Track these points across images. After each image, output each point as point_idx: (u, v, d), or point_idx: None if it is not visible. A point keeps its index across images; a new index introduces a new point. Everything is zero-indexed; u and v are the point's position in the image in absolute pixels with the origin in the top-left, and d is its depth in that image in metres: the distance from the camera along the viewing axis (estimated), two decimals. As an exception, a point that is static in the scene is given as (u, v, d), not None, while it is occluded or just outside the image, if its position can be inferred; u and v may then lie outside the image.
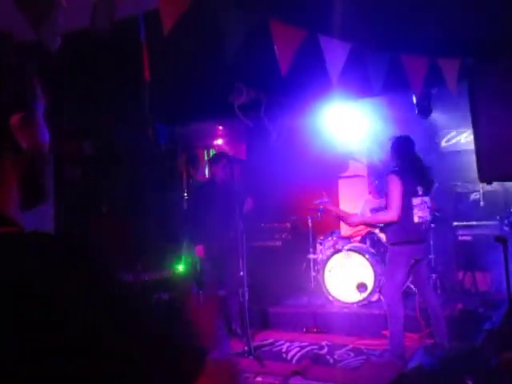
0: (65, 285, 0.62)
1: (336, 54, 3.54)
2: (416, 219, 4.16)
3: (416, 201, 4.19)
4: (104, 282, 0.67)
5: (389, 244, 4.28)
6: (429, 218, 4.33)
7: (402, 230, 4.16)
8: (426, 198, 4.24)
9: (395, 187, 4.14)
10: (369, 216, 4.52)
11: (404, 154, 4.31)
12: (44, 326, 0.60)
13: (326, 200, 4.97)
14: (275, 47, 3.19)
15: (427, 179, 4.31)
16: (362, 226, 6.47)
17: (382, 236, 4.67)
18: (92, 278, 0.66)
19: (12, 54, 0.78)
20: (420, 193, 4.21)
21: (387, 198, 4.20)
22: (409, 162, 4.28)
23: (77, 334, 0.61)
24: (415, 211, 4.16)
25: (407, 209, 4.15)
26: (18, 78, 0.78)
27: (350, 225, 4.78)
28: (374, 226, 4.95)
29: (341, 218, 4.68)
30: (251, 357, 4.40)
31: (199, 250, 4.91)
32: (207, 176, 5.40)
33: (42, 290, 0.61)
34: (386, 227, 4.30)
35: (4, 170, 0.74)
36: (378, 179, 6.31)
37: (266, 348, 4.82)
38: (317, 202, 5.11)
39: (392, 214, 4.13)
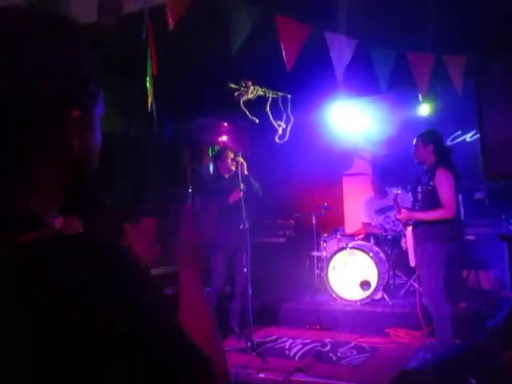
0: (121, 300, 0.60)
1: (342, 50, 3.53)
2: (462, 216, 4.07)
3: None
4: (149, 289, 0.65)
5: (434, 240, 4.02)
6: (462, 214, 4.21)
7: (452, 227, 4.02)
8: (460, 196, 4.15)
9: (449, 182, 3.97)
10: (420, 212, 4.15)
11: (443, 148, 4.18)
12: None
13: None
14: (281, 43, 3.18)
15: (459, 175, 4.14)
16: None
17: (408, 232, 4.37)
18: (140, 290, 0.63)
19: (80, 42, 0.72)
20: (459, 189, 4.13)
21: (440, 194, 3.97)
22: (448, 157, 4.15)
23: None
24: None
25: (458, 206, 4.04)
26: (82, 69, 0.71)
27: (399, 220, 4.53)
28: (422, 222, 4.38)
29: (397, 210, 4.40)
30: (254, 353, 4.40)
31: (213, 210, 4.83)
32: (211, 172, 5.40)
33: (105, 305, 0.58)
34: (431, 224, 4.04)
35: (46, 171, 0.68)
36: (383, 178, 6.30)
37: (269, 344, 4.82)
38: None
39: (448, 211, 3.94)
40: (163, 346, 0.61)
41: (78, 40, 0.72)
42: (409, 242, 4.35)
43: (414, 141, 4.28)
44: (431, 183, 4.06)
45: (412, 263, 4.35)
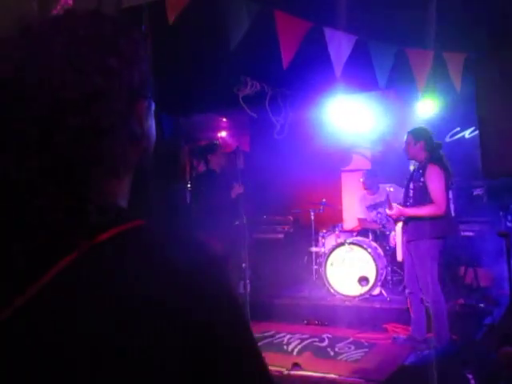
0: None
1: (341, 46, 3.53)
2: (452, 213, 4.09)
3: (450, 194, 4.15)
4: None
5: (426, 237, 4.03)
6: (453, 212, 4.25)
7: (442, 224, 4.04)
8: (451, 192, 4.18)
9: (439, 178, 4.00)
10: (410, 208, 4.19)
11: (434, 144, 4.21)
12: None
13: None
14: (279, 38, 3.18)
15: (451, 172, 4.18)
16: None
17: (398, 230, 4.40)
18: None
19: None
20: (450, 186, 4.16)
21: (430, 190, 4.00)
22: (440, 154, 4.19)
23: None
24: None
25: (448, 203, 4.06)
26: (147, 65, 0.77)
27: (391, 216, 4.53)
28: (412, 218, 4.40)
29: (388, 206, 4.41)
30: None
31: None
32: (202, 167, 5.37)
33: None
34: (423, 220, 4.04)
35: (123, 158, 0.71)
36: (376, 175, 6.31)
37: (267, 340, 4.84)
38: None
39: (439, 208, 3.97)
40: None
41: (143, 38, 0.77)
42: (398, 237, 4.40)
43: (405, 137, 4.32)
44: (422, 179, 4.09)
45: (399, 258, 4.40)
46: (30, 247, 0.61)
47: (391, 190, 4.48)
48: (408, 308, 4.50)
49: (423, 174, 4.09)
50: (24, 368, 0.59)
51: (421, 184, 4.12)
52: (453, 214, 4.13)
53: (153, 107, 0.80)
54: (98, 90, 0.66)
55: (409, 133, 4.31)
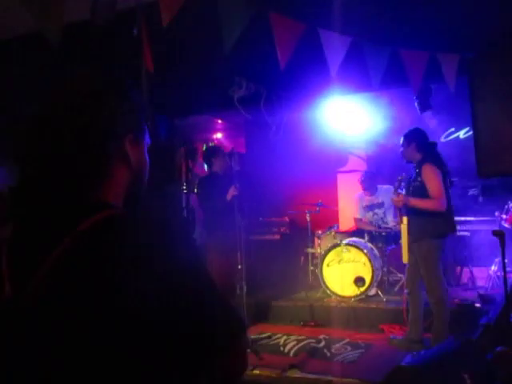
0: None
1: (336, 47, 3.54)
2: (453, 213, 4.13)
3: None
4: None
5: (428, 236, 4.09)
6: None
7: (444, 223, 4.10)
8: (450, 190, 4.23)
9: (436, 176, 4.06)
10: (414, 198, 4.20)
11: (427, 147, 4.28)
12: None
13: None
14: (275, 40, 3.18)
15: (448, 171, 4.26)
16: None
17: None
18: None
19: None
20: (448, 184, 4.21)
21: (429, 188, 4.05)
22: (434, 153, 4.26)
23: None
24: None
25: (449, 201, 4.11)
26: (139, 110, 1.04)
27: (395, 203, 4.53)
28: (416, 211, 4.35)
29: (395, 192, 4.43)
30: (248, 350, 4.41)
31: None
32: (206, 170, 5.39)
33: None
34: (423, 219, 4.10)
35: (116, 176, 0.96)
36: (374, 177, 6.32)
37: (264, 341, 4.83)
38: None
39: (440, 204, 4.01)
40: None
41: (136, 92, 1.05)
42: (403, 238, 4.37)
43: (401, 141, 4.41)
44: (419, 179, 4.17)
45: (405, 260, 4.37)
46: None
47: (402, 177, 4.50)
48: (405, 308, 4.51)
49: (420, 174, 4.16)
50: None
51: (418, 183, 4.18)
52: (453, 212, 4.16)
53: (143, 141, 1.05)
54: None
55: (403, 136, 4.40)
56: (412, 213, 4.27)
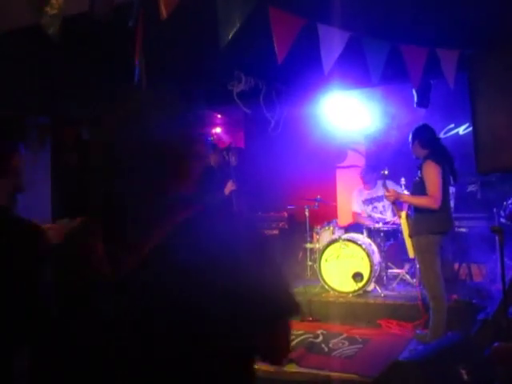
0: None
1: (333, 43, 3.52)
2: (451, 209, 4.16)
3: (450, 190, 4.23)
4: None
5: (424, 232, 4.14)
6: (453, 208, 4.33)
7: (442, 219, 4.13)
8: (454, 189, 4.26)
9: (436, 174, 4.08)
10: (407, 195, 4.36)
11: (434, 142, 4.31)
12: None
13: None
14: (273, 35, 3.17)
15: (455, 170, 4.29)
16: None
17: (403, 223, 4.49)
18: None
19: None
20: (451, 182, 4.23)
21: (427, 185, 4.10)
22: (439, 150, 4.28)
23: None
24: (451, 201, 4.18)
25: (446, 197, 4.14)
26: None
27: (386, 198, 4.61)
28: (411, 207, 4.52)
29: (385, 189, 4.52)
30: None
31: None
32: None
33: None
34: (420, 214, 4.18)
35: (187, 180, 1.19)
36: (374, 171, 6.33)
37: (262, 336, 4.84)
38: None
39: (434, 201, 4.04)
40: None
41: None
42: (404, 233, 4.45)
43: (409, 139, 4.44)
44: (419, 175, 4.20)
45: (410, 255, 4.43)
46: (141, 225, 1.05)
47: (386, 172, 4.59)
48: (421, 304, 4.55)
49: (421, 170, 4.19)
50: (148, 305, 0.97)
51: (418, 180, 4.23)
52: (451, 209, 4.19)
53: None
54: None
55: (410, 133, 4.43)
56: (410, 208, 4.34)
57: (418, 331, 4.66)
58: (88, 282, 1.03)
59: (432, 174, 4.10)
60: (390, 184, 5.76)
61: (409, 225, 4.37)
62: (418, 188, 4.21)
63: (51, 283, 1.14)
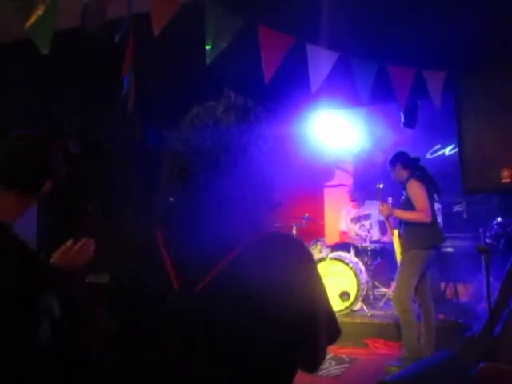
0: None
1: (322, 62, 3.56)
2: (439, 224, 4.20)
3: (435, 206, 4.30)
4: None
5: (411, 247, 4.21)
6: (441, 224, 4.39)
7: (430, 234, 4.19)
8: (439, 205, 4.32)
9: (421, 190, 4.18)
10: (400, 210, 4.41)
11: (412, 163, 4.43)
12: None
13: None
14: (262, 53, 3.20)
15: (437, 186, 4.39)
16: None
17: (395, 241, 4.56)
18: None
19: None
20: (436, 199, 4.30)
21: (414, 202, 4.18)
22: (419, 169, 4.39)
23: None
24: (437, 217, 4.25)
25: (434, 213, 4.21)
26: None
27: (380, 212, 4.65)
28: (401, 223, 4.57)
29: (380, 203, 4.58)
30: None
31: None
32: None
33: None
34: (411, 230, 4.25)
35: None
36: (363, 189, 6.36)
37: (248, 354, 4.79)
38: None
39: (425, 215, 4.12)
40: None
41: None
42: (396, 251, 4.55)
43: (388, 168, 4.56)
44: (405, 194, 4.32)
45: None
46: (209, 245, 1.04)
47: (381, 186, 4.67)
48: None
49: (406, 190, 4.31)
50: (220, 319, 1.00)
51: (404, 199, 4.34)
52: (440, 224, 4.25)
53: None
54: None
55: (388, 163, 4.56)
56: (400, 224, 4.44)
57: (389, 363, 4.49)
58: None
59: (417, 190, 4.19)
60: (376, 204, 5.83)
61: (401, 243, 4.42)
62: (405, 207, 4.30)
63: (54, 309, 1.14)
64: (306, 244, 1.13)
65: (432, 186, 4.34)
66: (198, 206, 1.06)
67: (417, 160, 4.48)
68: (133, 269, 1.12)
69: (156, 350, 1.04)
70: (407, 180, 4.32)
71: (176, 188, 1.10)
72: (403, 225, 4.40)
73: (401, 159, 4.46)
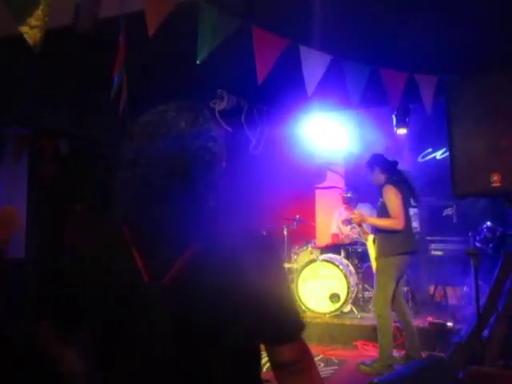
0: None
1: (315, 65, 3.56)
2: (413, 230, 4.23)
3: (411, 211, 4.31)
4: None
5: (385, 254, 4.25)
6: (418, 229, 4.40)
7: (403, 241, 4.20)
8: (416, 210, 4.34)
9: (395, 197, 4.19)
10: (372, 217, 4.48)
11: (390, 167, 4.43)
12: None
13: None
14: (255, 55, 3.20)
15: (414, 191, 4.41)
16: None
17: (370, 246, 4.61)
18: None
19: None
20: (412, 204, 4.31)
21: (388, 208, 4.20)
22: (396, 174, 4.40)
23: None
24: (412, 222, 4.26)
25: (407, 219, 4.23)
26: None
27: (352, 219, 4.71)
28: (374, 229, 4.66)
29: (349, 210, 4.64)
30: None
31: None
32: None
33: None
34: (384, 237, 4.28)
35: None
36: (352, 191, 6.38)
37: (237, 356, 4.78)
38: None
39: (398, 222, 4.14)
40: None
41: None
42: (371, 256, 4.58)
43: (366, 169, 4.58)
44: (381, 199, 4.35)
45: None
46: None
47: (349, 195, 4.76)
48: (397, 327, 4.59)
49: (381, 195, 4.33)
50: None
51: (380, 204, 4.37)
52: (414, 231, 4.26)
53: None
54: None
55: (366, 164, 4.57)
56: (375, 231, 4.48)
57: (362, 361, 4.46)
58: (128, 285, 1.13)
59: (392, 197, 4.21)
60: (367, 206, 5.88)
61: (375, 249, 4.46)
62: (381, 212, 4.33)
63: None
64: (273, 239, 1.23)
65: (409, 191, 4.36)
66: (158, 206, 1.10)
67: (395, 164, 4.49)
68: (103, 263, 1.17)
69: (131, 341, 1.11)
70: (384, 184, 4.34)
71: (135, 188, 1.14)
72: (375, 231, 4.45)
73: (380, 163, 4.46)
